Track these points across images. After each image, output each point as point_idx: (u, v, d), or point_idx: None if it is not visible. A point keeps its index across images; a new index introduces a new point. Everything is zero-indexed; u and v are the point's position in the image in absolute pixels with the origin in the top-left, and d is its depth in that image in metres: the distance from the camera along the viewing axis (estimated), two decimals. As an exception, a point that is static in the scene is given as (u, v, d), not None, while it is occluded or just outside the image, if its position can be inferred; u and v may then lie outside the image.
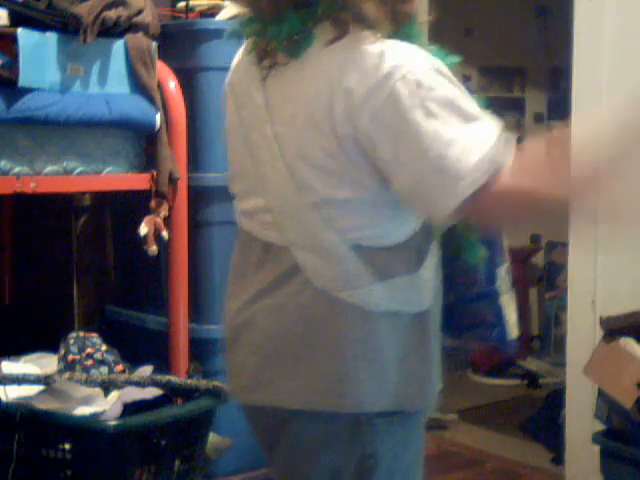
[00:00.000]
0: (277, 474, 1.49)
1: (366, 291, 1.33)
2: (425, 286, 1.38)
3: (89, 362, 2.40)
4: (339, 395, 1.34)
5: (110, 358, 2.45)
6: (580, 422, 2.73)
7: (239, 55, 1.51)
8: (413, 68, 1.26)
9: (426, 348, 1.39)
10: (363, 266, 1.33)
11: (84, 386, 2.18)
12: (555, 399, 3.29)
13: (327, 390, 1.34)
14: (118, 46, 2.47)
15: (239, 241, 1.52)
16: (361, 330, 1.34)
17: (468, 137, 1.25)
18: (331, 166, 1.31)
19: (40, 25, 2.29)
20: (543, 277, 4.81)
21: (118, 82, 2.46)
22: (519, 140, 1.31)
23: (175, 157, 2.56)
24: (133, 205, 2.65)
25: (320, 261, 1.34)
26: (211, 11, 2.80)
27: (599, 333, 2.42)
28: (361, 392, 1.35)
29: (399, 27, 1.33)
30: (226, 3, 2.80)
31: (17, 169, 2.28)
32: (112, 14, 2.42)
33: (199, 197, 2.70)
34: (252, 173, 1.41)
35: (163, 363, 2.58)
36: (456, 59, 1.38)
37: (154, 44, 2.54)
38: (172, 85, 2.60)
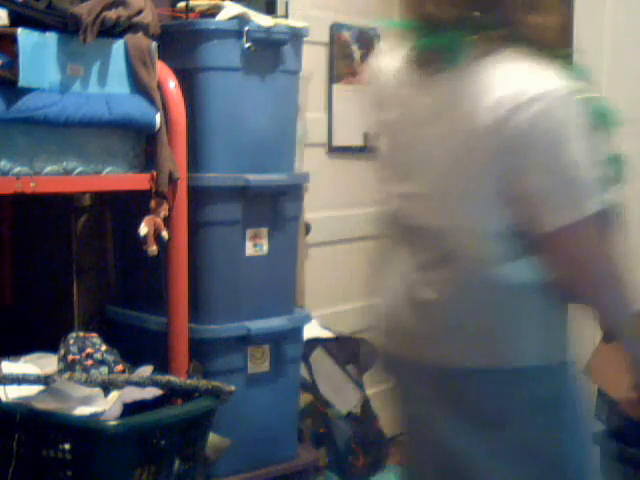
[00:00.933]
0: (429, 430, 1.72)
1: (506, 267, 1.58)
2: None
3: (89, 362, 2.40)
4: (499, 353, 1.61)
5: (110, 358, 2.45)
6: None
7: (392, 58, 1.68)
8: (555, 103, 1.48)
9: (557, 310, 1.66)
10: (507, 247, 1.57)
11: (84, 386, 2.18)
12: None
13: (488, 350, 1.61)
14: (118, 46, 2.47)
15: (388, 223, 1.80)
16: (511, 299, 1.60)
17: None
18: (480, 170, 1.55)
19: (40, 25, 2.28)
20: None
21: (118, 82, 2.46)
22: None
23: (175, 157, 2.56)
24: (133, 205, 2.65)
25: (472, 243, 1.58)
26: (211, 11, 2.80)
27: (599, 333, 2.42)
28: (515, 349, 1.61)
29: (549, 47, 1.54)
30: (226, 3, 2.80)
31: (17, 169, 2.28)
32: (112, 14, 2.42)
33: (199, 197, 2.70)
34: (409, 162, 1.66)
35: (163, 363, 2.58)
36: (589, 71, 1.65)
37: (154, 44, 2.54)
38: (172, 85, 2.60)
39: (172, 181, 2.54)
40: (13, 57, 2.20)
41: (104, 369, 2.41)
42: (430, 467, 1.75)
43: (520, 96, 1.47)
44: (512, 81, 1.49)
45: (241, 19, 2.75)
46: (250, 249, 2.83)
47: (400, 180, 1.71)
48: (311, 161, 3.56)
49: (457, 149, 1.56)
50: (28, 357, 2.51)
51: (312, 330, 3.30)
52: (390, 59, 1.69)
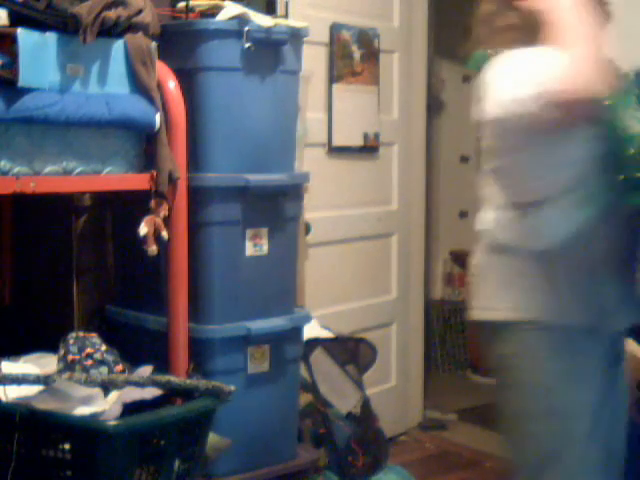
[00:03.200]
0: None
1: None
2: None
3: (89, 362, 2.40)
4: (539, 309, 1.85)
5: (110, 358, 2.45)
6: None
7: None
8: None
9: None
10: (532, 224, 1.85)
11: (84, 386, 2.18)
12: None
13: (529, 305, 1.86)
14: (118, 46, 2.46)
15: None
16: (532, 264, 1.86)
17: None
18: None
19: (40, 25, 2.28)
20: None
21: (118, 82, 2.46)
22: None
23: (175, 157, 2.56)
24: (133, 205, 2.65)
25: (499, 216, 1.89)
26: (211, 11, 2.80)
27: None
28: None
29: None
30: (226, 3, 2.80)
31: (17, 169, 2.27)
32: (112, 14, 2.42)
33: (199, 197, 2.70)
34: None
35: (163, 363, 2.57)
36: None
37: (154, 44, 2.54)
38: (172, 85, 2.60)
39: (172, 181, 2.54)
40: (13, 57, 2.20)
41: (104, 369, 2.41)
42: None
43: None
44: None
45: (241, 19, 2.75)
46: (250, 249, 2.83)
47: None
48: (311, 161, 3.56)
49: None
50: (28, 357, 2.51)
51: (312, 330, 3.30)
52: None
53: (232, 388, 2.26)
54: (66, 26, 2.32)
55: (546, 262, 1.83)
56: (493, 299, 1.90)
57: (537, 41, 1.75)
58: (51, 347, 2.50)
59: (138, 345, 2.75)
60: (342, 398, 3.35)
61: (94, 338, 2.49)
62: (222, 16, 2.75)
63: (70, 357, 2.41)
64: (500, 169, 1.88)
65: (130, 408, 2.18)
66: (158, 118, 2.52)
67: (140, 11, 2.53)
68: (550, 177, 1.81)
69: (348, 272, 3.94)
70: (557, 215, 1.81)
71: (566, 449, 1.83)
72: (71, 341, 2.44)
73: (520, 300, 1.86)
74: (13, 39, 2.19)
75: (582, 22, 1.70)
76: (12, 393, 2.15)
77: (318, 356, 3.33)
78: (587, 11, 1.72)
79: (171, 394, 2.29)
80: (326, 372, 3.33)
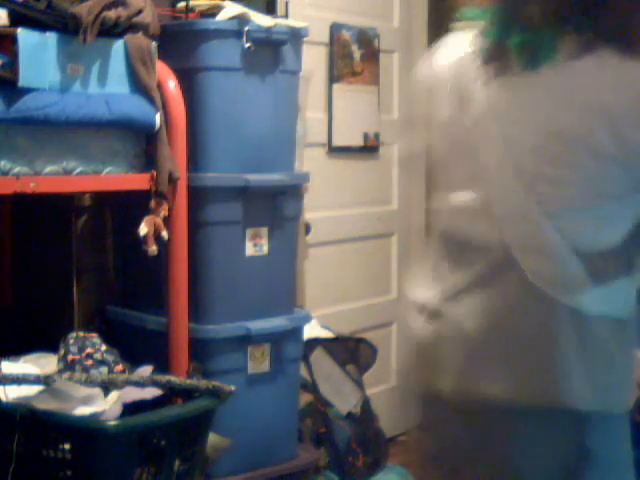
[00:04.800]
0: (483, 469, 1.50)
1: (583, 295, 1.39)
2: (633, 291, 1.45)
3: (89, 362, 2.40)
4: (554, 392, 1.40)
5: (110, 358, 2.45)
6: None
7: (458, 48, 1.51)
8: None
9: (630, 352, 1.47)
10: (582, 269, 1.38)
11: (84, 386, 2.18)
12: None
13: (541, 387, 1.41)
14: (118, 46, 2.46)
15: (434, 235, 1.56)
16: (576, 332, 1.40)
17: None
18: (568, 177, 1.36)
19: (40, 25, 2.28)
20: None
21: (118, 82, 2.46)
22: None
23: (175, 157, 2.56)
24: (133, 205, 2.65)
25: (542, 262, 1.39)
26: (211, 11, 2.80)
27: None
28: (576, 390, 1.40)
29: None
30: (226, 3, 2.80)
31: (17, 169, 2.27)
32: (112, 14, 2.42)
33: (199, 197, 2.70)
34: (466, 169, 1.46)
35: (163, 363, 2.57)
36: None
37: (154, 44, 2.54)
38: (172, 85, 2.60)
39: (172, 181, 2.54)
40: (13, 57, 2.20)
41: (104, 369, 2.41)
42: None
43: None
44: (623, 86, 1.32)
45: (241, 19, 2.75)
46: (250, 249, 2.83)
47: (458, 187, 1.50)
48: (311, 161, 3.56)
49: (533, 155, 1.38)
50: (28, 357, 2.51)
51: (312, 330, 3.30)
52: (453, 52, 1.53)
53: (232, 388, 2.26)
54: (66, 26, 2.32)
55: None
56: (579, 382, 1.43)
57: None
58: (51, 347, 2.49)
59: (138, 345, 2.75)
60: (342, 398, 3.35)
61: (94, 338, 2.49)
62: (222, 16, 2.75)
63: (70, 357, 2.41)
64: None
65: (130, 408, 2.18)
66: (158, 118, 2.52)
67: (140, 11, 2.53)
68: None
69: (348, 272, 3.95)
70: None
71: None
72: (71, 341, 2.44)
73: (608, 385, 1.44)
74: (13, 39, 2.19)
75: None
76: (12, 393, 2.14)
77: (318, 356, 3.33)
78: None
79: (171, 394, 2.29)
80: (326, 372, 3.33)
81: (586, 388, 1.40)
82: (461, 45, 1.50)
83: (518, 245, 1.40)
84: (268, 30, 2.78)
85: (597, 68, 1.34)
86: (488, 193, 1.43)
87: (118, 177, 2.50)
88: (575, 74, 1.35)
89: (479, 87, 1.43)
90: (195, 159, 2.71)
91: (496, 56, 1.41)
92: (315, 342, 3.33)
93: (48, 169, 2.34)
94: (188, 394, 2.28)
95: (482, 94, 1.42)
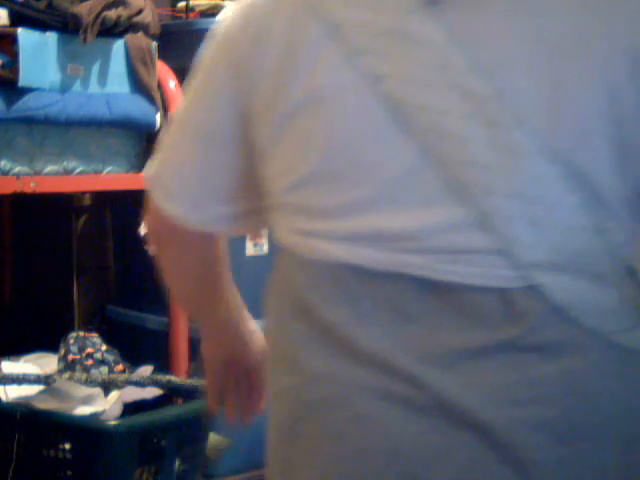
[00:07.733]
0: None
1: None
2: None
3: (89, 362, 2.40)
4: None
5: (110, 358, 2.44)
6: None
7: None
8: None
9: None
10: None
11: (84, 386, 2.18)
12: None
13: None
14: (118, 46, 2.46)
15: (337, 286, 0.97)
16: None
17: None
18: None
19: (40, 25, 2.28)
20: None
21: (118, 82, 2.46)
22: None
23: (175, 157, 2.56)
24: (133, 205, 2.64)
25: (592, 289, 0.90)
26: (211, 11, 2.80)
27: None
28: None
29: None
30: (226, 3, 2.80)
31: (17, 169, 2.28)
32: (112, 14, 2.42)
33: (199, 197, 2.70)
34: (414, 167, 0.89)
35: (163, 363, 2.57)
36: None
37: (154, 44, 2.54)
38: (172, 85, 2.59)
39: (172, 181, 2.54)
40: (13, 57, 2.20)
41: (104, 369, 2.41)
42: None
43: None
44: None
45: (241, 19, 2.75)
46: (250, 249, 2.82)
47: (370, 207, 0.94)
48: (311, 161, 3.55)
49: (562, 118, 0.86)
50: (28, 357, 2.51)
51: (312, 330, 3.30)
52: None
53: (232, 388, 2.26)
54: (66, 26, 2.32)
55: None
56: None
57: None
58: (51, 347, 2.49)
59: (138, 345, 2.75)
60: (342, 398, 3.35)
61: (94, 338, 2.48)
62: (222, 16, 2.75)
63: (70, 357, 2.41)
64: None
65: (130, 408, 2.18)
66: (158, 118, 2.52)
67: (140, 11, 2.53)
68: None
69: (348, 272, 3.94)
70: None
71: None
72: (71, 341, 2.44)
73: None
74: (13, 39, 2.19)
75: None
76: (12, 393, 2.15)
77: (318, 356, 3.33)
78: None
79: (171, 394, 2.29)
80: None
81: None
82: None
83: (549, 268, 0.92)
84: (268, 30, 2.78)
85: None
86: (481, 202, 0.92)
87: (118, 177, 2.50)
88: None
89: (411, 24, 0.89)
90: (195, 159, 2.71)
91: None
92: (315, 342, 3.33)
93: (48, 169, 2.34)
94: (188, 394, 2.28)
95: (424, 33, 0.89)
